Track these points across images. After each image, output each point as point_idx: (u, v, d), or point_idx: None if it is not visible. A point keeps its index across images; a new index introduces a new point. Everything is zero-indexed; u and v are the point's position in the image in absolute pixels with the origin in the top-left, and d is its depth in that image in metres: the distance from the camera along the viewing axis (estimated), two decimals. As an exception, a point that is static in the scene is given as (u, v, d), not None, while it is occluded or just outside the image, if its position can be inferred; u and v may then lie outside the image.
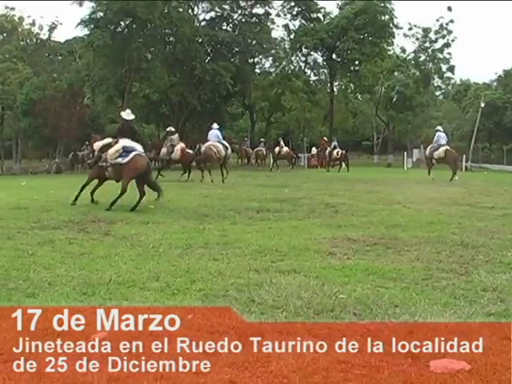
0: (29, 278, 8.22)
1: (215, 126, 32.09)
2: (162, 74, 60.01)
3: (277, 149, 49.64)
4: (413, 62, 71.13)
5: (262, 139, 56.37)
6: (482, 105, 71.38)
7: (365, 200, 19.14)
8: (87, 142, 57.30)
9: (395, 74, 72.42)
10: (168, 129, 33.94)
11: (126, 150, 16.69)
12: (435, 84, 77.43)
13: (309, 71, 72.29)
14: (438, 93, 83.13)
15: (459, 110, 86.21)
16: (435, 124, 75.14)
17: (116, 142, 16.99)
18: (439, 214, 15.67)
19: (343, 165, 45.97)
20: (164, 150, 31.27)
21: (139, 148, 16.97)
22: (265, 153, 52.81)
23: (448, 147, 32.36)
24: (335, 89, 72.68)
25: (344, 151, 46.85)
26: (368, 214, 15.34)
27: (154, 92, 63.94)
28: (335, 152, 46.71)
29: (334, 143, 48.40)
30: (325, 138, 56.64)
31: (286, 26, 68.79)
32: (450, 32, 68.58)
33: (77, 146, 59.98)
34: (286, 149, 49.95)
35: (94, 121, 69.61)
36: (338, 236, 11.71)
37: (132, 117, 18.19)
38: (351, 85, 72.15)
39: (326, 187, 24.13)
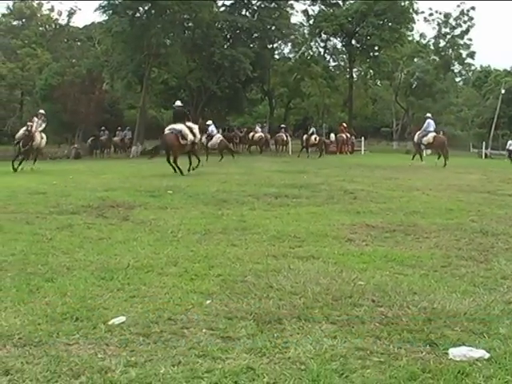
0: (47, 262, 8.25)
1: (210, 122, 38.87)
2: (181, 60, 60.02)
3: (251, 134, 52.25)
4: (433, 47, 70.75)
5: (282, 125, 56.21)
6: (503, 91, 71.05)
7: (383, 186, 19.07)
8: (103, 128, 57.75)
9: (415, 59, 72.20)
10: (41, 110, 34.34)
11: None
12: (455, 70, 77.06)
13: (328, 57, 72.33)
14: (458, 79, 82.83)
15: (479, 96, 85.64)
16: (455, 110, 75.13)
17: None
18: (458, 200, 15.58)
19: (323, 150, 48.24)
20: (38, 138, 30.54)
21: (180, 128, 23.26)
22: (285, 138, 52.70)
23: (435, 133, 33.63)
24: (354, 75, 72.71)
25: (320, 137, 48.85)
26: (387, 201, 15.29)
27: (172, 77, 63.97)
28: (313, 138, 47.90)
29: (312, 129, 49.83)
30: (344, 124, 56.55)
31: (305, 12, 68.79)
32: (470, 18, 68.21)
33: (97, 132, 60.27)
34: (258, 134, 51.60)
35: (113, 106, 69.83)
36: (357, 222, 11.67)
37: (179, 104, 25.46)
38: (370, 71, 71.95)
39: (345, 173, 24.09)
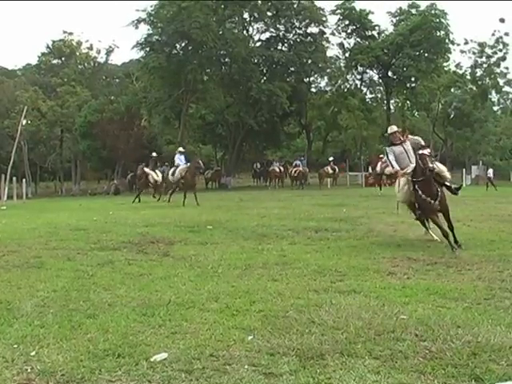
0: (89, 298, 8.30)
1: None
2: (218, 95, 60.37)
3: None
4: (469, 77, 70.37)
5: (330, 158, 56.10)
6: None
7: (424, 218, 18.92)
8: (144, 163, 57.87)
9: (452, 90, 71.76)
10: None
11: None
12: (493, 99, 76.46)
13: (365, 89, 72.16)
14: (496, 108, 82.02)
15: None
16: (494, 139, 74.45)
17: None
18: (500, 231, 15.40)
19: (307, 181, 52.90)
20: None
21: None
22: (330, 172, 52.99)
23: None
24: (392, 106, 72.44)
25: (301, 170, 50.83)
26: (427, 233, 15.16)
27: (210, 113, 64.37)
28: (293, 171, 51.28)
29: (296, 162, 52.88)
30: (381, 156, 56.44)
31: (340, 45, 68.83)
32: (505, 45, 67.79)
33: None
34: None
35: (152, 142, 70.35)
36: (398, 255, 11.60)
37: None
38: (408, 102, 71.76)
39: (385, 206, 23.89)
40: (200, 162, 28.73)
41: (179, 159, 30.22)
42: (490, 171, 49.20)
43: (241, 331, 6.57)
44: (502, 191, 35.03)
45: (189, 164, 28.85)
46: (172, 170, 29.69)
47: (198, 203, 26.24)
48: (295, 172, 50.84)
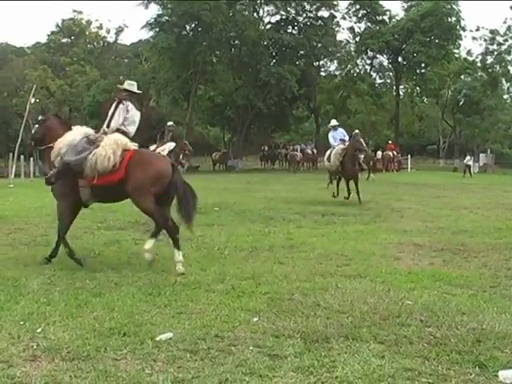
0: (95, 277, 8.33)
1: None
2: (227, 77, 60.16)
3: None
4: (480, 64, 69.97)
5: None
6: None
7: (431, 205, 18.93)
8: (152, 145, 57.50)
9: (462, 77, 71.37)
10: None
11: None
12: (503, 87, 75.96)
13: (374, 74, 71.73)
14: (506, 96, 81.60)
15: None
16: (503, 128, 74.10)
17: None
18: (507, 220, 15.40)
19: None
20: None
21: None
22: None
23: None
24: (401, 92, 72.02)
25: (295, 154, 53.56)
26: (434, 219, 15.17)
27: (218, 95, 64.10)
28: (289, 155, 54.69)
29: (295, 147, 57.90)
30: (389, 142, 56.35)
31: (351, 29, 68.47)
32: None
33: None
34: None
35: (160, 123, 70.20)
36: (404, 241, 11.60)
37: None
38: (417, 88, 71.28)
39: (392, 191, 23.94)
40: (361, 140, 21.64)
41: (333, 138, 21.96)
42: (468, 158, 49.68)
43: (246, 313, 6.60)
44: (510, 180, 34.91)
45: (346, 144, 21.23)
46: (327, 153, 22.09)
47: (361, 200, 20.05)
48: (289, 156, 53.85)
